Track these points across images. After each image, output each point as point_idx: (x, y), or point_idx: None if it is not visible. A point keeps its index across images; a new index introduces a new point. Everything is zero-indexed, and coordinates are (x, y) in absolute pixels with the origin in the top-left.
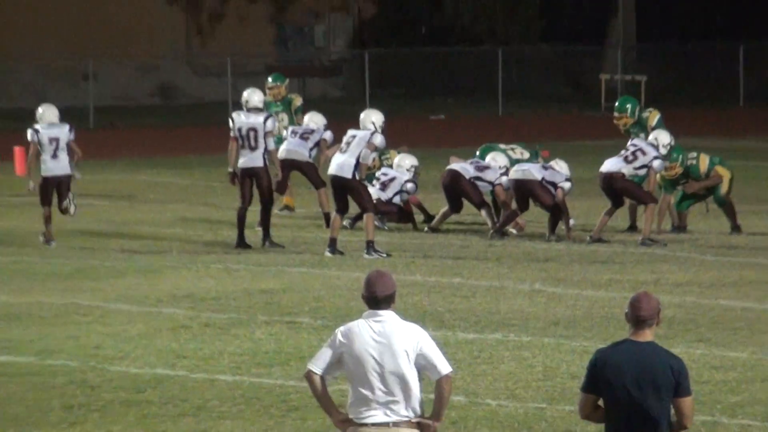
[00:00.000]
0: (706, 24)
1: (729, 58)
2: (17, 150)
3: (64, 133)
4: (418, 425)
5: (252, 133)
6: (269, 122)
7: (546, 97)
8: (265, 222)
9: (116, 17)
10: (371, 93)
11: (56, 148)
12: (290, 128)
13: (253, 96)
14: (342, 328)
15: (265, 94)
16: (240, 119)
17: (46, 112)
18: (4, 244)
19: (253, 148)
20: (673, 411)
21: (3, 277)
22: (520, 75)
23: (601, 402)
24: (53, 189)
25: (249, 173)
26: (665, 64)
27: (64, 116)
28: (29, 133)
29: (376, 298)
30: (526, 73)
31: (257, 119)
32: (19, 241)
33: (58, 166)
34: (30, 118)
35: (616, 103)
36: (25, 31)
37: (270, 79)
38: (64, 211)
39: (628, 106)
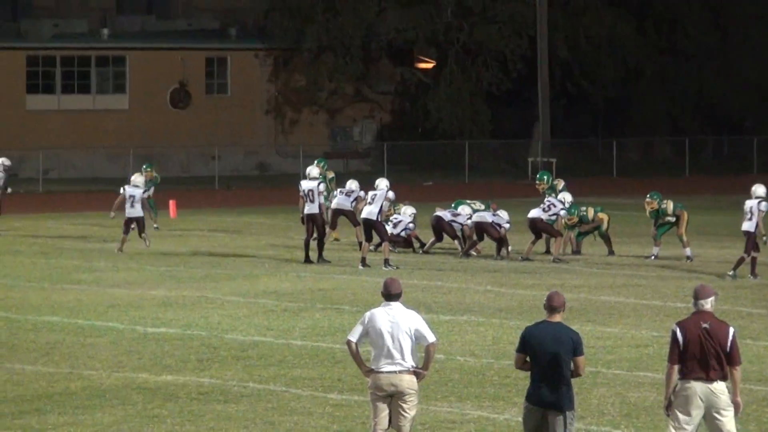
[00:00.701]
0: (593, 127)
1: (608, 148)
2: (172, 202)
3: (138, 192)
4: (414, 373)
5: (311, 192)
6: (321, 186)
7: (494, 172)
8: (319, 247)
9: (232, 121)
10: (388, 168)
11: (133, 201)
12: (339, 189)
13: (312, 170)
14: (368, 312)
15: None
16: (304, 184)
17: (133, 179)
18: (161, 260)
19: (312, 201)
20: (572, 365)
21: (160, 280)
22: (479, 158)
23: (528, 359)
24: (131, 224)
25: (310, 217)
26: (568, 152)
27: (199, 183)
28: (121, 189)
29: (390, 295)
30: (482, 157)
31: (314, 184)
32: (169, 258)
33: (133, 211)
34: (180, 183)
35: (537, 175)
36: (179, 129)
37: (316, 162)
38: (143, 239)
39: (545, 177)
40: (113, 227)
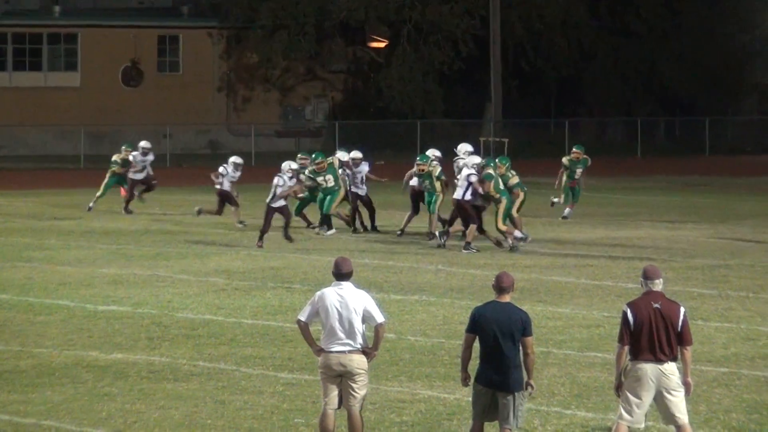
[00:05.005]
0: (545, 108)
1: (560, 128)
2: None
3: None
4: (364, 353)
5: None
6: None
7: (446, 152)
8: (263, 228)
9: (184, 99)
10: (339, 148)
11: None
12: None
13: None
14: (318, 292)
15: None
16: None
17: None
18: (112, 238)
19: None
20: (522, 346)
21: (111, 258)
22: (431, 137)
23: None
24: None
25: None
26: (520, 132)
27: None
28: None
29: (341, 274)
30: (434, 136)
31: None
32: (120, 236)
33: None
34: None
35: (497, 160)
36: (130, 107)
37: (313, 156)
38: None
39: (504, 162)
40: (64, 207)
